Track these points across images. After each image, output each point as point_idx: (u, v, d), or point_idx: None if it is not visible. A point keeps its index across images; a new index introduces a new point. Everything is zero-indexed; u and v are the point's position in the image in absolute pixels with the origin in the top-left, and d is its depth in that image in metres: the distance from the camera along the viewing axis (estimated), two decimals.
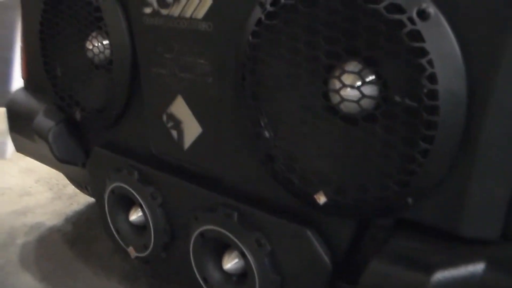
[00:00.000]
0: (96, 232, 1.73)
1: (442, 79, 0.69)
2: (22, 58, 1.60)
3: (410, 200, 0.75)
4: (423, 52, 0.69)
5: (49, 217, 1.85)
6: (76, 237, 1.72)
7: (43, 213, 1.87)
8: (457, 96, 0.69)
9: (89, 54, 1.20)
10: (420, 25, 0.69)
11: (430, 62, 0.68)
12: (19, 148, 1.63)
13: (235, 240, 0.97)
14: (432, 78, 0.68)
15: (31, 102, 1.50)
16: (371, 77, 0.74)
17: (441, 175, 0.73)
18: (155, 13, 1.04)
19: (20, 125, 1.50)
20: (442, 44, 0.69)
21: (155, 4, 1.03)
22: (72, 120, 1.32)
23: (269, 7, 0.81)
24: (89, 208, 1.92)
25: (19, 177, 2.16)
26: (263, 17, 0.82)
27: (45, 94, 1.42)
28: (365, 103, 0.75)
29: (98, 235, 1.70)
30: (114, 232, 1.29)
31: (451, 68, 0.69)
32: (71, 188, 2.01)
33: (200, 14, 0.96)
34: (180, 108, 1.06)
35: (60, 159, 1.36)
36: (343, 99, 0.76)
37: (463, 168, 0.72)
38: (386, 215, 0.80)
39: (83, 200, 1.97)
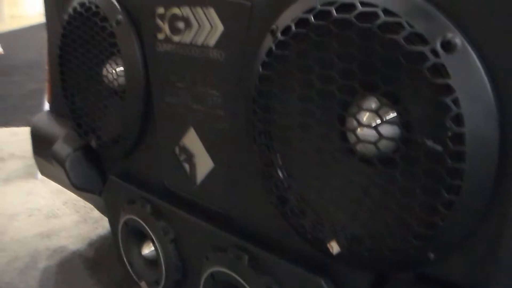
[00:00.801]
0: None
1: (470, 120, 0.59)
2: (47, 81, 1.59)
3: (431, 255, 0.66)
4: (448, 90, 0.60)
5: (73, 240, 1.82)
6: (98, 263, 1.68)
7: (67, 237, 1.84)
8: (487, 140, 0.60)
9: (105, 81, 1.17)
10: (444, 58, 0.60)
11: (456, 101, 0.59)
12: (43, 171, 1.62)
13: (245, 284, 0.90)
14: (458, 120, 0.59)
15: (53, 127, 1.48)
16: (390, 116, 0.66)
17: (468, 230, 0.63)
18: (167, 40, 0.99)
19: (42, 149, 1.48)
20: (470, 80, 0.60)
21: (167, 30, 0.98)
22: (90, 147, 1.29)
23: (280, 36, 0.75)
24: None
25: (49, 198, 2.15)
26: (273, 47, 0.76)
27: (67, 119, 1.40)
28: (383, 145, 0.66)
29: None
30: (128, 265, 1.24)
31: (481, 107, 0.60)
32: (97, 212, 1.98)
33: (212, 41, 0.90)
34: (192, 141, 1.00)
35: (76, 187, 1.33)
36: (359, 140, 0.68)
37: (494, 221, 0.63)
38: (405, 270, 0.71)
39: (108, 224, 1.93)
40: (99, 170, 1.33)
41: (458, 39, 0.61)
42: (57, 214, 2.02)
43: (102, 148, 1.22)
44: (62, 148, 1.34)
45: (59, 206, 2.09)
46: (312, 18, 0.70)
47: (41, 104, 2.64)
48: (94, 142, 1.23)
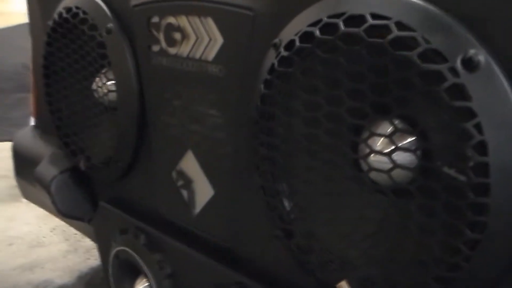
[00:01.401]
0: None
1: (495, 149, 0.61)
2: (32, 94, 1.64)
3: None
4: (470, 114, 0.61)
5: (60, 274, 1.86)
6: None
7: (54, 269, 1.88)
8: None
9: (95, 96, 1.20)
10: (465, 78, 0.62)
11: (478, 127, 0.61)
12: (26, 195, 1.66)
13: None
14: (481, 148, 0.61)
15: (38, 145, 1.52)
16: (404, 142, 0.68)
17: (496, 273, 0.65)
18: (163, 52, 1.02)
19: (26, 170, 1.52)
20: (495, 102, 0.62)
21: (163, 42, 1.02)
22: (79, 169, 1.32)
23: (283, 51, 0.77)
24: None
25: (34, 224, 2.20)
26: (276, 63, 0.78)
27: (54, 136, 1.43)
28: (397, 174, 0.68)
29: None
30: None
31: (507, 134, 0.61)
32: (89, 240, 2.02)
33: (211, 55, 0.93)
34: (191, 165, 1.03)
35: (63, 213, 1.36)
36: (370, 168, 0.70)
37: None
38: None
39: None
40: (88, 195, 1.36)
41: (481, 56, 0.62)
42: (43, 243, 2.06)
43: (91, 171, 1.26)
44: (47, 169, 1.38)
45: (46, 233, 2.14)
46: (318, 32, 0.72)
47: (27, 116, 2.69)
48: (83, 164, 1.26)
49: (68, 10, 1.19)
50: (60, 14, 1.21)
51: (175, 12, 0.99)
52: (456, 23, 0.64)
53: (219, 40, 0.91)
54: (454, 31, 0.64)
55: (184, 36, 0.97)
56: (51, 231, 2.15)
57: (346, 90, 0.71)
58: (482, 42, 0.63)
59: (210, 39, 0.92)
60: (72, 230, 2.15)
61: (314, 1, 0.76)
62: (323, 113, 0.74)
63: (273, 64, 0.78)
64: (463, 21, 0.64)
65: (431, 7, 0.66)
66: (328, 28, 0.71)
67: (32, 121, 1.63)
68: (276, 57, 0.78)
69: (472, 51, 0.62)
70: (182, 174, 1.05)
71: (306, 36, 0.74)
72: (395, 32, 0.65)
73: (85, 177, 1.34)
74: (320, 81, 0.74)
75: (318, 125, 0.76)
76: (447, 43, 0.63)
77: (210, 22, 0.92)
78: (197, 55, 0.95)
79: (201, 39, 0.94)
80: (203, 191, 1.01)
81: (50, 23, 1.25)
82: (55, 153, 1.40)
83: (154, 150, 1.11)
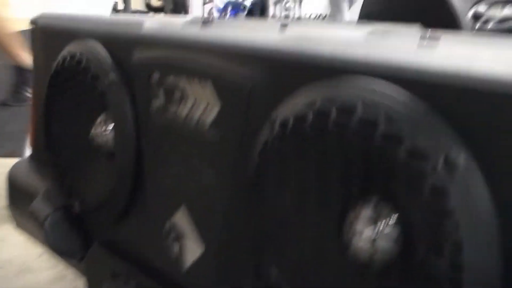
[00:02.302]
0: None
1: (470, 248, 0.66)
2: (30, 124, 1.69)
3: None
4: (448, 213, 0.67)
5: None
6: None
7: None
8: (488, 270, 0.67)
9: (93, 141, 1.26)
10: (445, 178, 0.68)
11: (455, 226, 0.67)
12: (19, 225, 1.70)
13: None
14: (457, 247, 0.66)
15: (33, 178, 1.57)
16: (385, 226, 0.73)
17: None
18: (162, 108, 1.08)
19: (20, 201, 1.57)
20: (473, 203, 0.67)
21: (162, 98, 1.07)
22: (74, 208, 1.37)
23: (277, 128, 0.83)
24: None
25: (23, 248, 2.24)
26: (271, 139, 0.84)
27: (49, 171, 1.48)
28: (379, 256, 0.74)
29: None
30: None
31: (483, 235, 0.67)
32: None
33: (208, 119, 0.98)
34: (183, 220, 1.08)
35: (56, 251, 1.41)
36: (353, 247, 0.76)
37: None
38: None
39: None
40: (81, 234, 1.41)
41: (462, 158, 0.68)
42: (31, 268, 2.10)
43: (87, 213, 1.31)
44: (41, 206, 1.43)
45: (35, 258, 2.18)
46: (311, 115, 0.78)
47: (24, 132, 2.72)
48: (78, 205, 1.31)
49: (72, 56, 1.25)
50: (64, 59, 1.27)
51: (176, 72, 1.05)
52: (441, 122, 0.70)
53: (217, 106, 0.96)
54: (439, 130, 0.70)
55: (183, 96, 1.03)
56: (39, 257, 2.19)
57: (333, 172, 0.77)
58: (465, 143, 0.69)
59: (208, 104, 0.98)
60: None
61: (312, 79, 0.82)
62: (310, 191, 0.80)
63: (267, 139, 0.84)
64: (449, 120, 0.70)
65: (418, 104, 0.72)
66: (321, 112, 0.77)
67: (28, 151, 1.69)
68: (271, 133, 0.84)
69: (453, 152, 0.68)
70: (175, 228, 1.10)
71: (300, 117, 0.80)
72: (382, 128, 0.71)
73: (79, 216, 1.38)
74: (310, 161, 0.79)
75: (306, 202, 0.81)
76: (431, 142, 0.69)
77: (209, 87, 0.97)
78: (195, 117, 1.01)
79: (199, 102, 0.99)
80: (194, 247, 1.06)
81: (55, 65, 1.30)
82: (50, 190, 1.45)
83: (148, 199, 1.16)
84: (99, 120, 1.25)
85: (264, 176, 0.86)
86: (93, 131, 1.26)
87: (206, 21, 1.22)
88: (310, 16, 6.64)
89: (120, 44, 1.22)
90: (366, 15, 2.65)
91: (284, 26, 1.16)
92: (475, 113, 0.68)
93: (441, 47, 0.86)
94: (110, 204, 1.24)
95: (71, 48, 1.28)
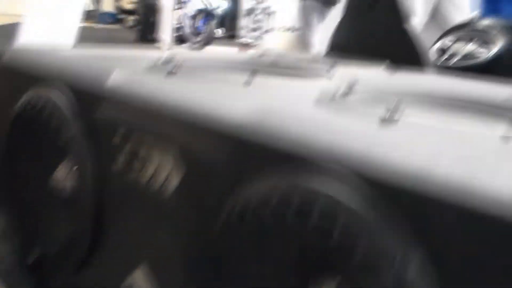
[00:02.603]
0: None
1: None
2: None
3: None
4: None
5: None
6: None
7: None
8: None
9: (54, 186, 1.25)
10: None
11: None
12: None
13: None
14: None
15: None
16: None
17: None
18: (126, 166, 1.08)
19: None
20: None
21: (126, 155, 1.07)
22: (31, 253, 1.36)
23: (237, 208, 0.84)
24: None
25: None
26: (230, 217, 0.85)
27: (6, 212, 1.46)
28: None
29: None
30: None
31: None
32: None
33: (170, 185, 0.99)
34: (143, 278, 1.08)
35: None
36: None
37: None
38: None
39: None
40: (40, 281, 1.39)
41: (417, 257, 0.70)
42: None
43: (44, 260, 1.30)
44: None
45: None
46: (272, 202, 0.80)
47: None
48: (33, 255, 1.30)
49: (36, 102, 1.24)
50: (28, 103, 1.26)
51: (140, 131, 1.05)
52: (395, 224, 0.72)
53: (180, 173, 0.97)
54: (393, 233, 0.72)
55: (147, 158, 1.03)
56: None
57: (289, 254, 0.79)
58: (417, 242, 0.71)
59: (171, 170, 0.98)
60: None
61: (275, 165, 0.83)
62: (269, 270, 0.82)
63: (228, 216, 0.85)
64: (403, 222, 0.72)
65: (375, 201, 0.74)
66: (282, 202, 0.78)
67: None
68: (229, 213, 0.85)
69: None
70: (134, 285, 1.10)
71: (261, 203, 0.81)
72: (341, 222, 0.73)
73: (37, 262, 1.37)
74: (268, 243, 0.81)
75: (266, 280, 0.83)
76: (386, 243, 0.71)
77: (173, 153, 0.98)
78: (158, 181, 1.01)
79: (163, 166, 1.00)
80: None
81: (16, 108, 1.29)
82: (5, 232, 1.43)
83: (109, 252, 1.16)
84: (60, 166, 1.24)
85: (223, 249, 0.87)
86: (54, 176, 1.25)
87: (170, 72, 1.20)
88: (280, 29, 6.65)
89: (87, 94, 1.21)
90: (336, 46, 2.71)
91: (249, 79, 1.16)
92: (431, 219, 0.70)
93: (401, 134, 0.84)
94: (69, 253, 1.24)
95: (35, 92, 1.27)
